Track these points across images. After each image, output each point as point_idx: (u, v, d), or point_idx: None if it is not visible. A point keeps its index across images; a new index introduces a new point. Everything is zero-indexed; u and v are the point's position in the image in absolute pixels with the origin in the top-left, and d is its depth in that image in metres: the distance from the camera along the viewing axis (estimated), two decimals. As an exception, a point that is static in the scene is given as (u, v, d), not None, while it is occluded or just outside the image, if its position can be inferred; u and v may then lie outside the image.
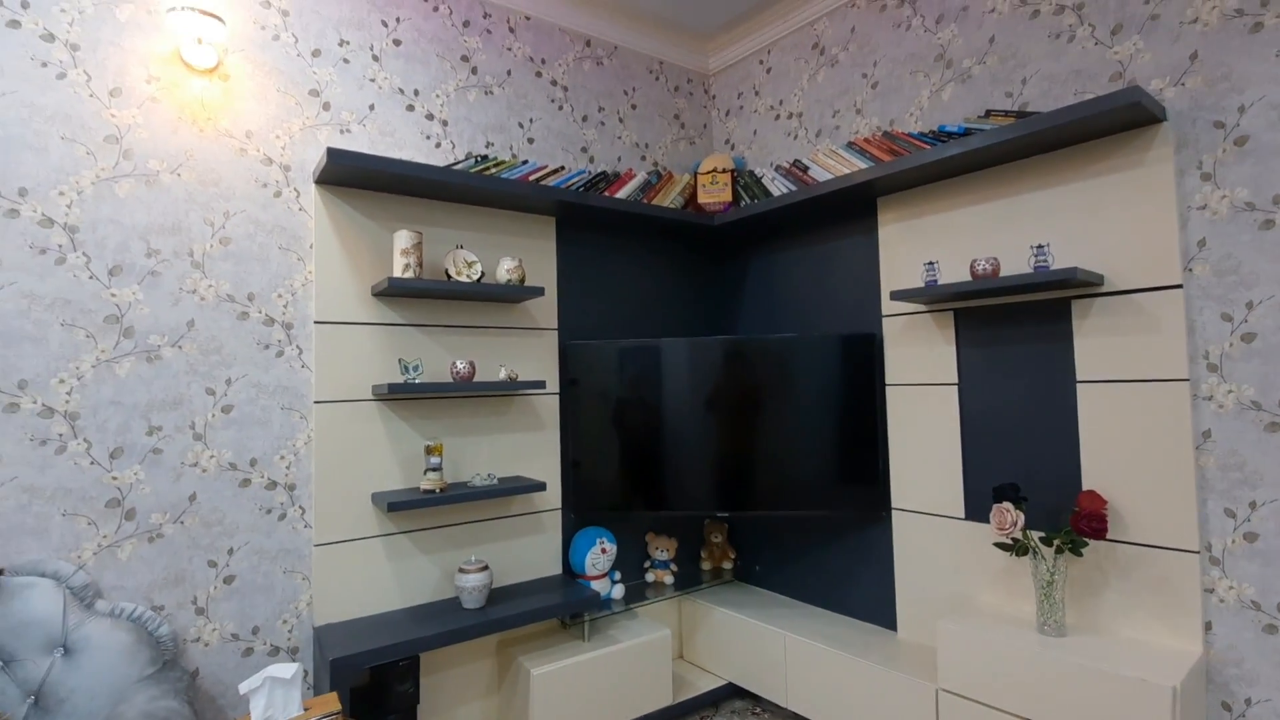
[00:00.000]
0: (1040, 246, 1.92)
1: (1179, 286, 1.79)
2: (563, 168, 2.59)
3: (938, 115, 2.40)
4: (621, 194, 2.69)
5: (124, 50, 1.93)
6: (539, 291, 2.38)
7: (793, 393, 2.58)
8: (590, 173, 2.64)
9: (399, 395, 2.29)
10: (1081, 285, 1.94)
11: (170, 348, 1.96)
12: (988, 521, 2.18)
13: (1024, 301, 2.11)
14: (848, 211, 2.64)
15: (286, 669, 1.63)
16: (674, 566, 2.90)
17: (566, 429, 2.69)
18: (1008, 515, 1.88)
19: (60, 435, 1.81)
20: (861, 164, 2.41)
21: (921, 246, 2.37)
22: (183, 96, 2.01)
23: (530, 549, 2.57)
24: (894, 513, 2.46)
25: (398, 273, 2.16)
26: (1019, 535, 1.89)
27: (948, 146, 2.06)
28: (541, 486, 2.36)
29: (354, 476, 2.20)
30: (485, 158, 2.45)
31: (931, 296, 2.16)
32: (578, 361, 2.67)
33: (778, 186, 2.71)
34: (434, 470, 2.22)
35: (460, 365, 2.26)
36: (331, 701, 1.72)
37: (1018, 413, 2.12)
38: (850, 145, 2.46)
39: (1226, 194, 1.75)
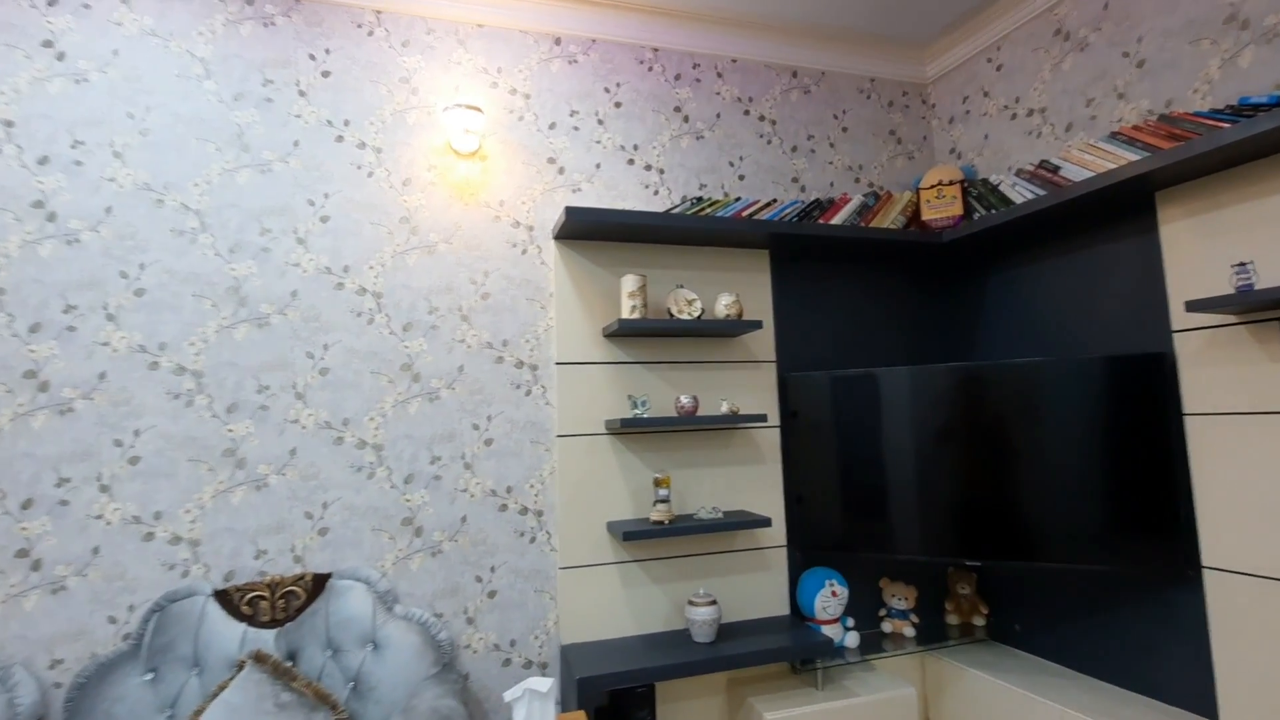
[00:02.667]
0: None
1: None
2: (774, 201, 2.59)
3: (1234, 88, 1.98)
4: (837, 220, 2.61)
5: (412, 147, 2.37)
6: (757, 325, 2.38)
7: (1052, 425, 2.24)
8: (803, 203, 2.61)
9: (629, 429, 2.42)
10: None
11: (446, 389, 2.30)
12: (1362, 591, 1.67)
13: (1400, 302, 1.61)
14: (1114, 213, 2.27)
15: (543, 683, 1.77)
16: (914, 618, 2.65)
17: (788, 463, 2.63)
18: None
19: (370, 463, 2.20)
20: (1130, 156, 2.06)
21: (1224, 245, 1.94)
22: (453, 178, 2.40)
23: (756, 586, 2.53)
24: (1206, 572, 1.99)
25: (625, 314, 2.31)
26: None
27: (1257, 121, 1.68)
28: (766, 522, 2.32)
29: (591, 505, 2.37)
30: (700, 199, 2.54)
31: (1247, 305, 1.75)
32: (797, 393, 2.61)
33: (1020, 193, 2.42)
34: (662, 502, 2.30)
35: (684, 400, 2.34)
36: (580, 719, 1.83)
37: (1401, 448, 1.61)
38: (1114, 137, 2.12)
39: None
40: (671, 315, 2.40)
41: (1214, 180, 1.97)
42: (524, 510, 2.35)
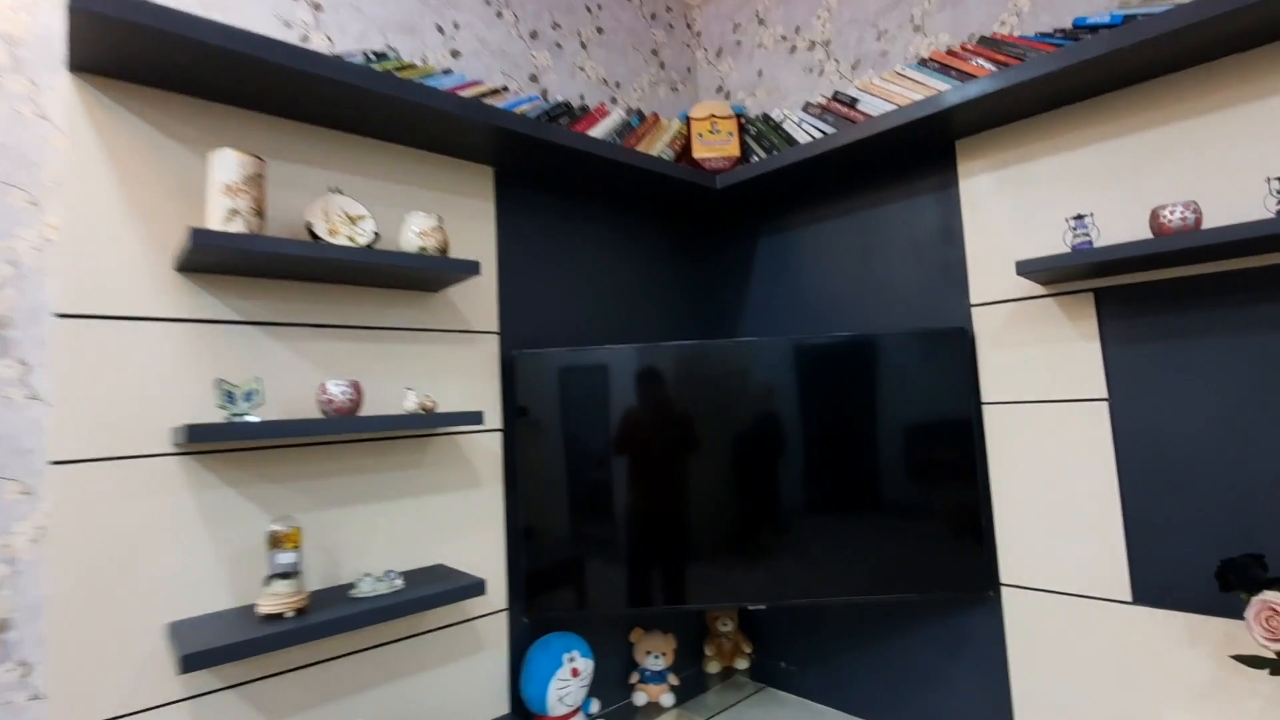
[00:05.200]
0: (1289, 175, 1.21)
1: None
2: (506, 89, 1.72)
3: (1046, 20, 1.71)
4: (595, 134, 1.84)
5: None
6: (470, 269, 1.48)
7: (836, 422, 1.77)
8: (548, 103, 1.78)
9: (218, 444, 1.31)
10: (1332, 240, 1.25)
11: None
12: (1170, 607, 1.43)
13: (1217, 273, 1.40)
14: (908, 161, 1.90)
15: None
16: (673, 678, 2.00)
17: (514, 483, 1.77)
18: (1289, 616, 1.11)
19: None
20: (943, 86, 1.67)
21: (1031, 202, 1.64)
22: None
23: (458, 681, 1.61)
24: (1005, 591, 1.68)
25: (216, 223, 1.20)
26: (1313, 650, 1.13)
27: (1096, 42, 1.34)
28: (475, 588, 1.42)
29: (131, 599, 1.20)
30: (383, 55, 1.53)
31: (1085, 268, 1.42)
32: (529, 381, 1.77)
33: (808, 133, 1.94)
34: (284, 576, 1.25)
35: (335, 390, 1.32)
36: None
37: (1214, 441, 1.40)
38: (926, 63, 1.72)
39: None
40: (315, 236, 1.36)
41: (1020, 127, 1.67)
42: (-60, 629, 1.08)
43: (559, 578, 1.73)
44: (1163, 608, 1.45)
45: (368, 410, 1.49)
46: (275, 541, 1.26)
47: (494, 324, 1.76)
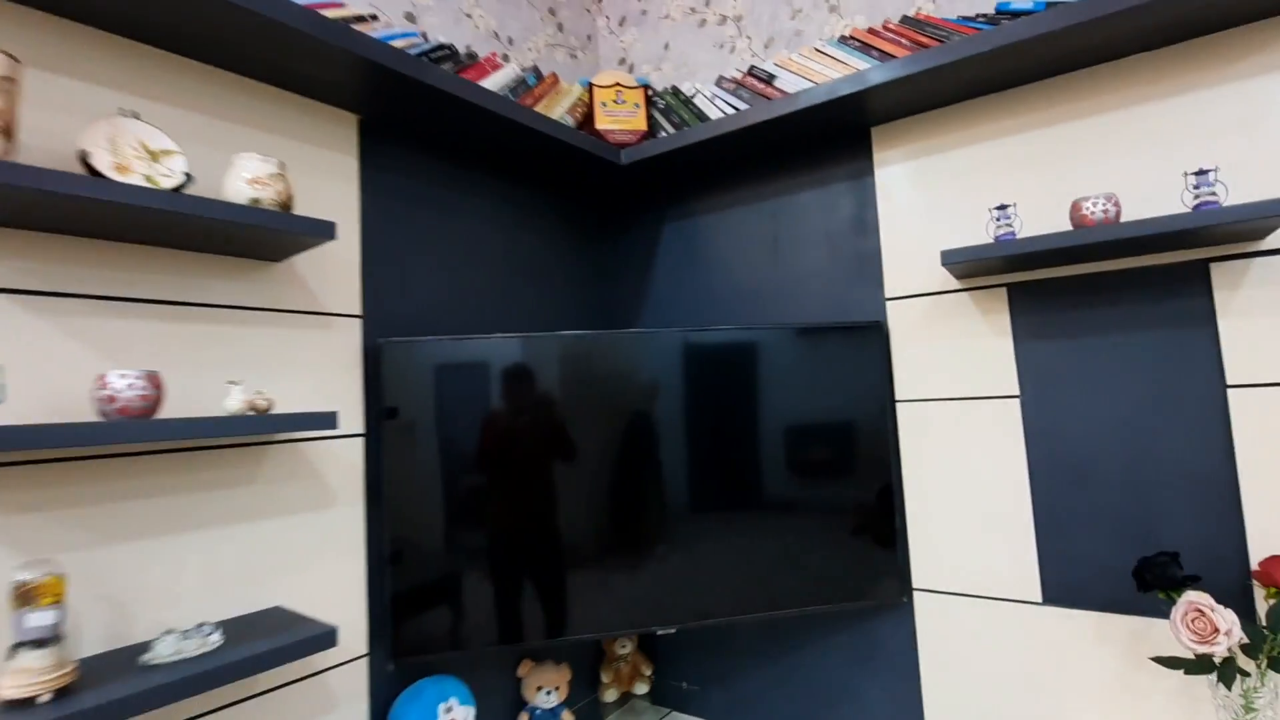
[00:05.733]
0: (1204, 173, 1.21)
1: (1398, 235, 1.18)
2: (377, 18, 1.41)
3: (965, 5, 1.68)
4: (486, 85, 1.57)
5: None
6: (323, 231, 1.17)
7: (748, 422, 1.64)
8: (428, 43, 1.49)
9: (-65, 459, 0.92)
10: (1227, 240, 1.27)
11: None
12: (1079, 607, 1.42)
13: (1127, 269, 1.40)
14: (823, 147, 1.81)
15: None
16: (568, 715, 1.77)
17: (380, 501, 1.46)
18: (1214, 619, 1.09)
19: None
20: (864, 65, 1.58)
21: (947, 194, 1.60)
22: None
23: (305, 752, 1.28)
24: (918, 595, 1.62)
25: (-82, 140, 0.82)
26: (1233, 649, 1.11)
27: (1019, 26, 1.30)
28: (326, 639, 1.12)
29: None
30: (201, -51, 1.18)
31: (999, 262, 1.37)
32: (400, 376, 1.46)
33: (721, 108, 1.79)
34: (37, 645, 0.89)
35: (119, 383, 0.96)
36: None
37: (1119, 438, 1.40)
38: (846, 41, 1.62)
39: None
40: (94, 172, 0.99)
41: (937, 116, 1.62)
42: None
43: (432, 613, 1.44)
44: (1071, 607, 1.43)
45: (174, 411, 1.13)
46: (22, 597, 0.89)
47: (355, 305, 1.44)
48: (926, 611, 1.60)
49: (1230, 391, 1.29)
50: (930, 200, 1.62)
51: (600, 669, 2.00)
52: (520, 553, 1.52)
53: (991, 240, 1.38)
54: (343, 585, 1.37)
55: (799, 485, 1.65)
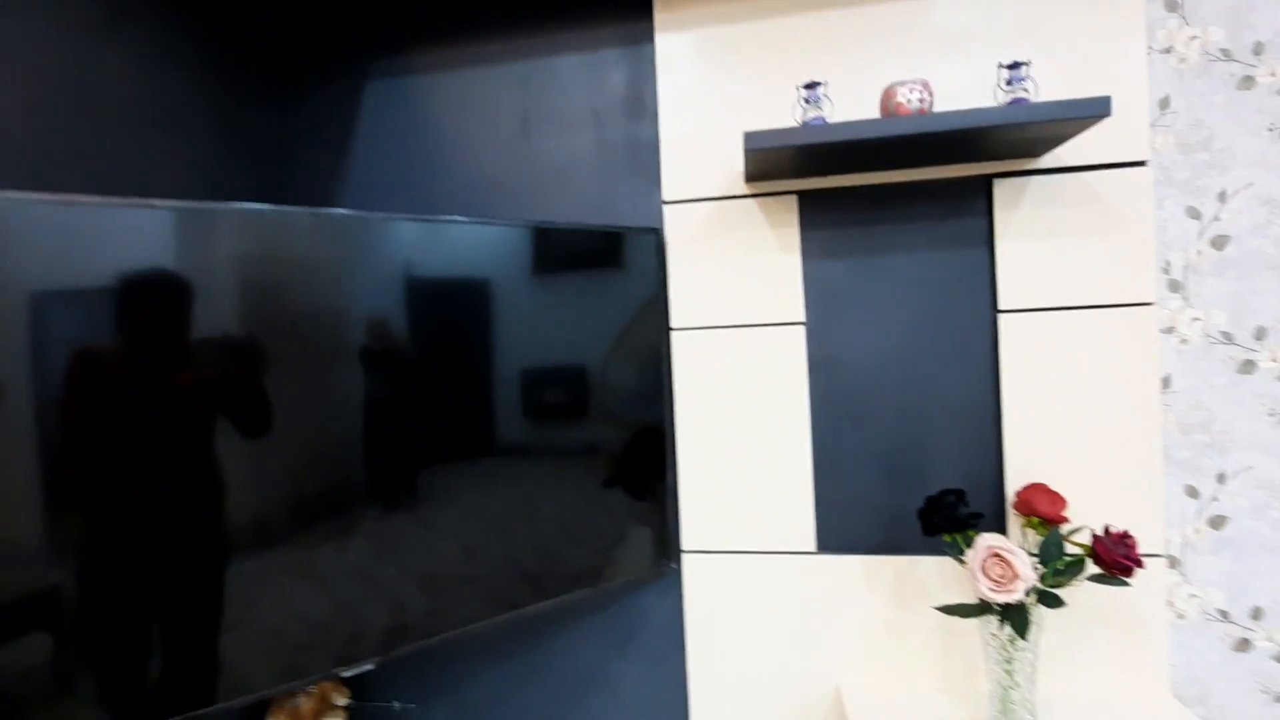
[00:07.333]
0: (1017, 66, 1.08)
1: (1143, 164, 1.19)
2: None
3: None
4: None
5: None
6: None
7: (480, 355, 1.20)
8: None
9: None
10: (1012, 155, 1.20)
11: None
12: (849, 552, 1.30)
13: (916, 182, 1.27)
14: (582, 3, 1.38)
15: None
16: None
17: None
18: (1012, 563, 0.99)
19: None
20: (654, -121, 1.18)
21: (742, 75, 1.31)
22: None
23: None
24: (687, 559, 1.37)
25: None
26: (1028, 594, 1.02)
27: None
28: None
29: None
30: None
31: (794, 161, 1.13)
32: None
33: (454, -95, 1.24)
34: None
35: None
36: None
37: (894, 369, 1.29)
38: None
39: (1198, 34, 1.21)
40: None
41: (733, -23, 1.31)
42: None
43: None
44: (842, 553, 1.30)
45: None
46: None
47: None
48: (696, 576, 1.36)
49: (1001, 317, 1.24)
50: (722, 80, 1.32)
51: (267, 715, 1.39)
52: (127, 583, 0.86)
53: (797, 123, 1.11)
54: None
55: (552, 438, 1.26)
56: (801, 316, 1.31)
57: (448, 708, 1.47)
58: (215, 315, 0.95)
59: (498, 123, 1.44)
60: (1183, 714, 1.12)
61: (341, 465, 1.08)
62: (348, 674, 1.07)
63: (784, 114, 1.26)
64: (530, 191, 1.43)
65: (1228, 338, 1.20)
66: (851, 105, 1.22)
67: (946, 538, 1.12)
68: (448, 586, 1.17)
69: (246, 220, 0.97)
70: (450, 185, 1.46)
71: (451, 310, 1.17)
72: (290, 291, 1.01)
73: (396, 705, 1.50)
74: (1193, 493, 1.21)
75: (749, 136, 1.08)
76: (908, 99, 1.07)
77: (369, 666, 1.07)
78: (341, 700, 1.46)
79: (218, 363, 0.95)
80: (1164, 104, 1.21)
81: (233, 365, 0.97)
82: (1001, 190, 1.23)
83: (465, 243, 1.18)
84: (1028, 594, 0.99)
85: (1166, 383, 1.22)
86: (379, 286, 1.10)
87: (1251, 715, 1.19)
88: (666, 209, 1.35)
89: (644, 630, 1.39)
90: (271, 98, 1.48)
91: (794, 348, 1.31)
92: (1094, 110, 0.97)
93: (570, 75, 1.41)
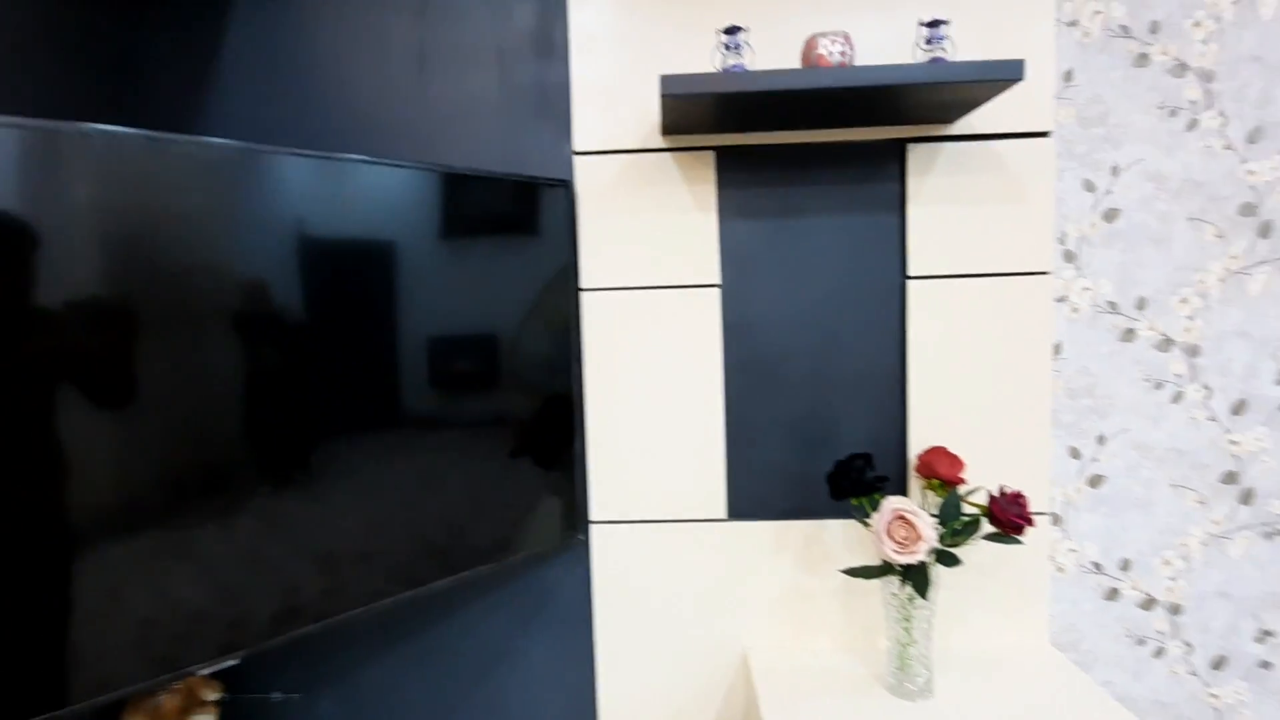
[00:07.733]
0: (936, 25, 1.05)
1: (1046, 134, 1.22)
2: None
3: None
4: None
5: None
6: None
7: (374, 315, 1.08)
8: None
9: None
10: (927, 119, 1.19)
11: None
12: (758, 518, 1.29)
13: (831, 143, 1.24)
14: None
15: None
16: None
17: None
18: (916, 525, 0.99)
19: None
20: None
21: (662, 12, 1.23)
22: None
23: None
24: (595, 530, 1.32)
25: None
26: (929, 555, 1.03)
27: None
28: None
29: None
30: None
31: (711, 113, 1.07)
32: None
33: None
34: None
35: None
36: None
37: (804, 333, 1.27)
38: None
39: (1101, 9, 1.23)
40: None
41: (651, -91, 1.21)
42: None
43: None
44: (752, 519, 1.29)
45: None
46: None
47: None
48: (605, 547, 1.31)
49: (910, 283, 1.24)
50: (639, 20, 1.23)
51: (122, 715, 1.24)
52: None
53: (718, 69, 1.05)
54: None
55: (450, 405, 1.17)
56: (717, 279, 1.26)
57: (336, 696, 1.36)
58: (56, 261, 0.78)
59: (389, 54, 1.28)
60: (1059, 660, 1.20)
61: (222, 439, 0.94)
62: (231, 663, 0.94)
63: (703, 61, 1.19)
64: (427, 137, 1.29)
65: (1113, 307, 1.26)
66: (773, 55, 1.17)
67: (854, 501, 1.12)
68: (345, 564, 1.06)
69: (94, 144, 0.80)
70: (334, 125, 1.30)
71: (347, 263, 1.04)
72: (155, 236, 0.85)
73: (277, 696, 1.38)
74: (1075, 454, 1.28)
75: (666, 80, 1.00)
76: (829, 51, 1.03)
77: (237, 659, 0.95)
78: (212, 695, 1.31)
79: (60, 322, 0.79)
80: (1068, 77, 1.24)
81: (79, 325, 0.80)
82: (915, 155, 1.22)
83: (364, 186, 1.05)
84: (928, 554, 1.00)
85: (1058, 349, 1.27)
86: (262, 235, 0.95)
87: (1118, 656, 1.29)
88: (577, 160, 1.26)
89: (550, 604, 1.34)
90: (118, 1, 1.26)
91: (709, 311, 1.26)
92: (1008, 73, 0.96)
93: (472, 5, 1.27)
